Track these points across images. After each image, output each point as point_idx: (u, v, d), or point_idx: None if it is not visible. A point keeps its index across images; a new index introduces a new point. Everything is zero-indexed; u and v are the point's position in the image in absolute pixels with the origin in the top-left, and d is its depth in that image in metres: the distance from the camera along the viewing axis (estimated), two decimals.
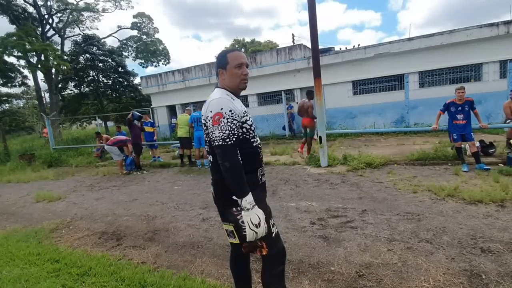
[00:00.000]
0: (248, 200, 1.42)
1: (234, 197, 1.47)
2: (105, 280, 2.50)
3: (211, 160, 1.59)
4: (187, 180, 6.39)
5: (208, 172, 6.91)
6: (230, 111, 1.45)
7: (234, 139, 1.43)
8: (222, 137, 1.42)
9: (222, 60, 1.59)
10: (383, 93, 10.62)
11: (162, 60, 25.19)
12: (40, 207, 5.40)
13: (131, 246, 3.30)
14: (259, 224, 1.43)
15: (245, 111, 1.55)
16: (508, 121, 5.79)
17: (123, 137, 8.16)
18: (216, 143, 1.43)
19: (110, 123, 27.46)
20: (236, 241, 1.57)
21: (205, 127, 1.55)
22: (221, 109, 1.44)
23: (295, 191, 4.70)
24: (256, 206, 1.45)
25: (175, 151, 9.71)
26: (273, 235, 1.59)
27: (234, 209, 1.51)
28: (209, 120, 1.46)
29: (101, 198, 5.62)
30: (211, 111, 1.46)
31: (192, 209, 4.35)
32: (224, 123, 1.42)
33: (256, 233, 1.43)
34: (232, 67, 1.57)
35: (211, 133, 1.45)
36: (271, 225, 1.59)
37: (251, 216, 1.42)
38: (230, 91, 1.60)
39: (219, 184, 1.57)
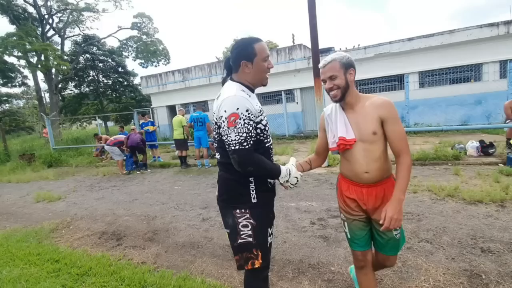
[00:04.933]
0: (282, 176, 1.47)
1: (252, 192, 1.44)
2: (105, 280, 2.50)
3: (219, 157, 1.51)
4: (187, 180, 6.39)
5: (208, 172, 6.91)
6: (247, 110, 1.31)
7: (251, 142, 1.33)
8: (239, 140, 1.29)
9: (249, 51, 1.40)
10: (383, 93, 10.60)
11: (162, 60, 25.18)
12: (40, 207, 5.40)
13: (131, 246, 3.30)
14: (297, 184, 1.53)
15: (260, 109, 1.42)
16: (508, 121, 5.79)
17: (123, 137, 8.16)
18: (232, 148, 1.30)
19: (110, 123, 27.49)
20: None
21: (216, 126, 1.43)
22: (237, 109, 1.30)
23: (295, 191, 4.70)
24: (292, 168, 1.52)
25: (175, 151, 9.73)
26: (268, 244, 1.52)
27: (238, 211, 1.44)
28: (223, 121, 1.32)
29: (101, 198, 5.62)
30: (225, 111, 1.31)
31: (192, 209, 4.35)
32: (241, 125, 1.29)
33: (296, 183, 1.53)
34: (260, 59, 1.42)
35: (226, 135, 1.33)
36: (268, 234, 1.51)
37: (291, 181, 1.51)
38: (247, 86, 1.45)
39: (226, 181, 1.49)
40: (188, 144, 7.96)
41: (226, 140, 1.33)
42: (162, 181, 6.63)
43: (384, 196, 1.53)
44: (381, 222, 1.41)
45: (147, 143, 9.31)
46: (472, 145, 5.77)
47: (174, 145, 8.30)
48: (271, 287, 2.27)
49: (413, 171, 5.22)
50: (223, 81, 1.53)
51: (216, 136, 1.49)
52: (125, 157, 8.06)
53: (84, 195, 6.00)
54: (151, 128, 9.35)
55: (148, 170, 8.10)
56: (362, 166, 1.51)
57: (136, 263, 2.84)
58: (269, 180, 1.52)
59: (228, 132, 1.30)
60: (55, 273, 2.71)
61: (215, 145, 1.54)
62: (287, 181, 1.49)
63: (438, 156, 5.69)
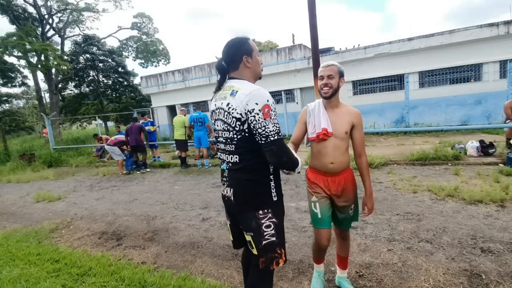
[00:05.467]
0: (299, 167, 1.45)
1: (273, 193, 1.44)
2: (105, 280, 2.50)
3: (238, 160, 1.44)
4: (187, 180, 6.39)
5: (208, 172, 6.91)
6: (273, 103, 1.35)
7: (281, 132, 1.37)
8: (276, 131, 1.32)
9: (247, 47, 1.46)
10: (383, 93, 10.62)
11: (162, 60, 25.18)
12: (40, 207, 5.40)
13: (131, 246, 3.30)
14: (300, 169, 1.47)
15: None
16: (508, 121, 5.79)
17: (123, 137, 8.16)
18: (271, 138, 1.31)
19: (110, 123, 27.45)
20: (254, 251, 1.47)
21: (237, 122, 1.37)
22: (267, 100, 1.32)
23: (295, 191, 4.70)
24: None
25: (175, 151, 9.74)
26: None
27: (260, 212, 1.42)
28: (256, 114, 1.30)
29: (101, 198, 5.62)
30: (256, 103, 1.30)
31: (192, 209, 4.35)
32: (273, 116, 1.32)
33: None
34: (256, 53, 1.49)
35: (262, 127, 1.30)
36: (284, 230, 1.54)
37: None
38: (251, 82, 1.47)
39: (247, 184, 1.43)
40: (188, 144, 7.97)
41: (263, 132, 1.31)
42: (162, 181, 6.63)
43: (344, 184, 1.89)
44: (364, 211, 1.93)
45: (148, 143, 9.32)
46: (472, 145, 5.78)
47: (175, 145, 8.29)
48: None
49: (412, 171, 5.25)
50: (220, 83, 1.51)
51: (235, 136, 1.40)
52: (125, 157, 8.06)
53: (84, 195, 6.00)
54: (151, 128, 9.35)
55: (148, 169, 8.11)
56: (330, 158, 1.86)
57: (136, 263, 2.84)
58: (280, 179, 1.55)
59: (266, 123, 1.30)
60: (55, 273, 2.71)
61: (230, 148, 1.46)
62: (299, 172, 1.49)
63: (438, 156, 5.69)
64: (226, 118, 1.42)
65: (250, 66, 1.48)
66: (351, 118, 1.86)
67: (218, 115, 1.49)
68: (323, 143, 1.86)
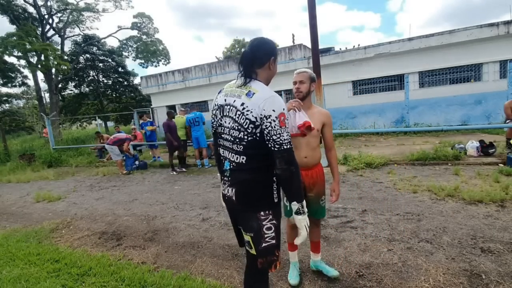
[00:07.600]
0: (305, 203, 1.43)
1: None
2: (105, 280, 2.50)
3: (244, 161, 1.42)
4: (187, 180, 6.39)
5: (208, 172, 6.91)
6: (287, 112, 1.38)
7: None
8: (289, 139, 1.33)
9: (276, 51, 1.49)
10: (383, 93, 10.62)
11: (162, 60, 25.18)
12: (40, 207, 5.40)
13: (131, 246, 3.30)
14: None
15: None
16: (508, 121, 5.79)
17: (123, 135, 8.18)
18: (285, 147, 1.32)
19: (110, 123, 27.45)
20: (253, 251, 1.46)
21: (250, 124, 1.35)
22: (283, 109, 1.33)
23: None
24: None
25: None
26: None
27: (262, 213, 1.41)
28: (273, 120, 1.31)
29: (101, 198, 5.62)
30: (273, 110, 1.31)
31: (192, 209, 4.35)
32: (287, 125, 1.35)
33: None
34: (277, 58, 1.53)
35: (278, 135, 1.31)
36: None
37: (307, 219, 1.43)
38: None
39: (251, 185, 1.43)
40: (188, 144, 7.98)
41: (278, 140, 1.32)
42: (162, 181, 6.63)
43: (316, 177, 2.12)
44: (333, 197, 2.14)
45: (147, 142, 9.33)
46: (472, 145, 5.78)
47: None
48: (271, 287, 2.27)
49: (412, 171, 5.25)
50: (245, 76, 1.43)
51: (245, 137, 1.38)
52: (124, 157, 8.06)
53: (84, 195, 6.00)
54: (149, 128, 9.37)
55: (178, 170, 7.40)
56: (304, 152, 2.07)
57: (136, 263, 2.84)
58: None
59: (281, 131, 1.32)
60: (55, 273, 2.71)
61: (238, 148, 1.42)
62: (305, 213, 1.43)
63: (438, 156, 5.69)
64: (238, 118, 1.39)
65: (272, 69, 1.50)
66: (322, 118, 2.11)
67: (228, 112, 1.44)
68: (298, 139, 2.03)
